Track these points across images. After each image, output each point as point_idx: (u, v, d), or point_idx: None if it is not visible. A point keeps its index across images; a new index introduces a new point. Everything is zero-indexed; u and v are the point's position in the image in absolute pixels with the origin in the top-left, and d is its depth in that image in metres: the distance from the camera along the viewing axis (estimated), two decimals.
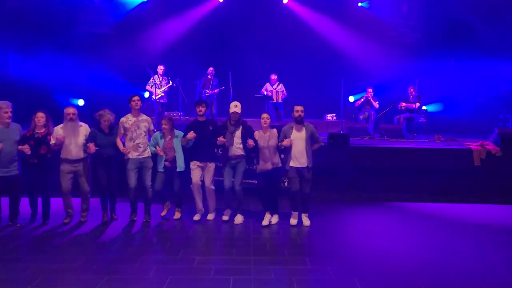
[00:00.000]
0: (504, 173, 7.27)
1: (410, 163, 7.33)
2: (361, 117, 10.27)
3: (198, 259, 4.30)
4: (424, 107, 10.05)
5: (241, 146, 5.64)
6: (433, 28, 12.10)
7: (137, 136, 5.67)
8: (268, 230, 5.47)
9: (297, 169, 5.59)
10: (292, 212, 5.73)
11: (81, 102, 11.74)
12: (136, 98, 5.76)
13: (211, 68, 10.02)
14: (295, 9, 12.36)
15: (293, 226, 5.60)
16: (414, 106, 9.67)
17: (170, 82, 9.64)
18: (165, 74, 9.69)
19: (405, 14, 12.51)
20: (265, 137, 5.63)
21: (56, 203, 5.74)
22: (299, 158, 5.56)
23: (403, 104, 9.91)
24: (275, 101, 10.05)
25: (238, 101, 5.88)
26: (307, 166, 5.58)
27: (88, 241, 4.95)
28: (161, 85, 9.56)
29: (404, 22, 12.53)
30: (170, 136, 5.78)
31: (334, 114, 11.13)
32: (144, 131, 5.75)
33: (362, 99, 10.25)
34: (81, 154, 5.57)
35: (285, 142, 5.52)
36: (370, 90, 10.21)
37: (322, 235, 5.26)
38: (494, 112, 11.30)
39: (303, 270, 4.10)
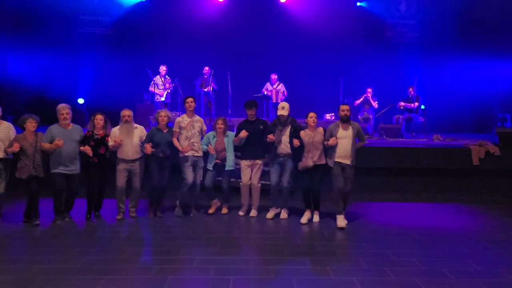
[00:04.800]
0: (503, 172, 7.29)
1: (408, 162, 7.34)
2: (360, 118, 10.26)
3: (198, 259, 4.30)
4: (422, 106, 10.07)
5: (288, 144, 5.72)
6: (432, 27, 12.13)
7: (192, 135, 5.87)
8: (267, 229, 5.48)
9: (341, 166, 5.56)
10: (337, 215, 5.56)
11: (80, 101, 11.76)
12: (189, 99, 5.96)
13: (206, 68, 10.03)
14: (293, 9, 12.36)
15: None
16: (413, 105, 9.68)
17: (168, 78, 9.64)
18: (166, 74, 9.68)
19: (404, 13, 12.55)
20: (311, 134, 5.68)
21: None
22: (344, 156, 5.54)
23: (402, 103, 9.91)
24: (274, 101, 10.02)
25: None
26: (350, 164, 5.57)
27: (95, 239, 4.97)
28: (163, 86, 9.56)
29: (402, 21, 12.57)
30: (222, 136, 5.95)
31: (333, 114, 11.10)
32: (198, 131, 5.96)
33: (361, 99, 10.25)
34: (136, 155, 5.70)
35: (331, 141, 5.50)
36: (369, 90, 10.20)
37: (321, 235, 5.27)
38: (493, 111, 11.32)
39: (302, 270, 4.11)
